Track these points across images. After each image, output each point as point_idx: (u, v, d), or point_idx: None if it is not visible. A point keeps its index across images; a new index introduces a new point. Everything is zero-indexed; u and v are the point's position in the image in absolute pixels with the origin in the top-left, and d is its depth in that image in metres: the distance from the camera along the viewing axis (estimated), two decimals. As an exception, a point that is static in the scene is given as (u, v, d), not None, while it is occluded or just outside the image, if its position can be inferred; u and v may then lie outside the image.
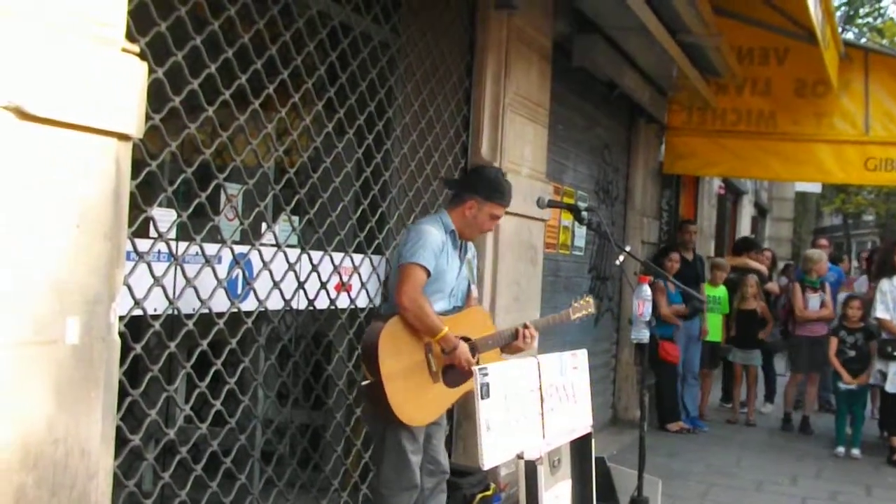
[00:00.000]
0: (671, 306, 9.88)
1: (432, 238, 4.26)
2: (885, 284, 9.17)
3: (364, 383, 4.12)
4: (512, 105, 6.06)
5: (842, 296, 10.42)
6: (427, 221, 4.42)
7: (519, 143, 6.20)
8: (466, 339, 4.33)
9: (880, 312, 9.09)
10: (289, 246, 4.41)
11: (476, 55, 5.90)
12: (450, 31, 5.72)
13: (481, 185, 4.46)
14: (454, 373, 4.32)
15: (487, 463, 3.92)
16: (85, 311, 2.61)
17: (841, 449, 9.38)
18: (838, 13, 26.97)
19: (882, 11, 31.36)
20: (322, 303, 4.69)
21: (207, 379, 3.84)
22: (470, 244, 4.63)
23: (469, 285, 4.61)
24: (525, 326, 4.63)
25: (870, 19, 30.60)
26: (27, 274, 2.41)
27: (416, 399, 4.17)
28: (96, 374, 2.67)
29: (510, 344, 4.62)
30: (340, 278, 4.84)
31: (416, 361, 4.20)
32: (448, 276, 4.38)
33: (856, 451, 9.35)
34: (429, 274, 4.21)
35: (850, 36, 25.44)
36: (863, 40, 24.24)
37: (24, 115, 2.36)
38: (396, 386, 4.07)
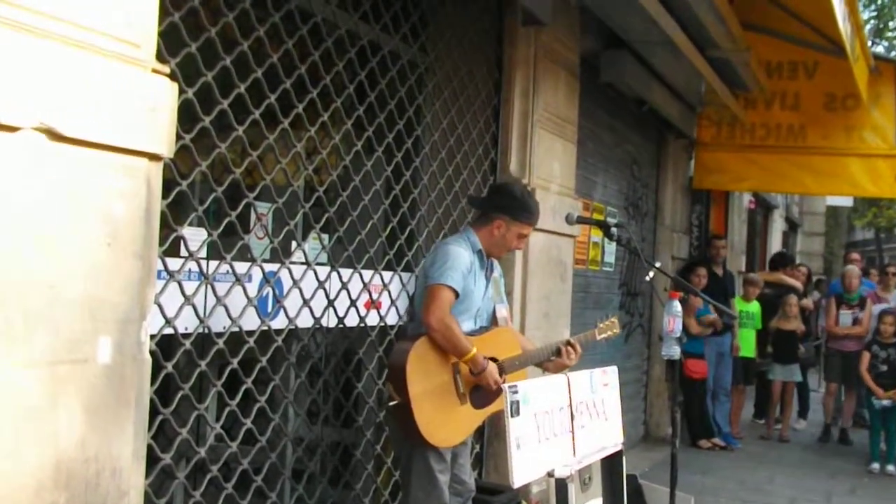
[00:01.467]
0: (704, 317, 9.78)
1: (460, 258, 4.22)
2: None
3: (391, 404, 4.11)
4: (540, 121, 6.05)
5: (875, 308, 10.32)
6: (454, 241, 4.36)
7: (548, 159, 6.19)
8: (493, 360, 4.31)
9: None
10: (318, 264, 4.42)
11: (504, 72, 5.90)
12: (478, 48, 5.73)
13: (508, 204, 4.40)
14: (481, 394, 4.29)
15: (518, 481, 3.89)
16: (117, 330, 2.62)
17: (876, 465, 9.28)
18: (868, 26, 26.83)
19: (912, 24, 31.13)
20: (352, 320, 4.70)
21: (238, 397, 3.85)
22: (496, 263, 4.60)
23: (495, 305, 4.58)
24: (569, 343, 4.59)
25: (900, 32, 30.37)
26: (60, 293, 2.43)
27: (443, 420, 4.14)
28: (128, 393, 2.68)
29: (553, 361, 4.57)
30: (370, 296, 4.84)
31: (444, 382, 4.18)
32: (475, 296, 4.36)
33: (891, 468, 9.24)
34: (457, 295, 4.18)
35: (880, 49, 25.29)
36: (893, 53, 24.07)
37: (55, 135, 2.38)
38: (424, 407, 4.05)
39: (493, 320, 4.55)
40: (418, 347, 4.09)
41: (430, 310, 4.10)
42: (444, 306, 4.11)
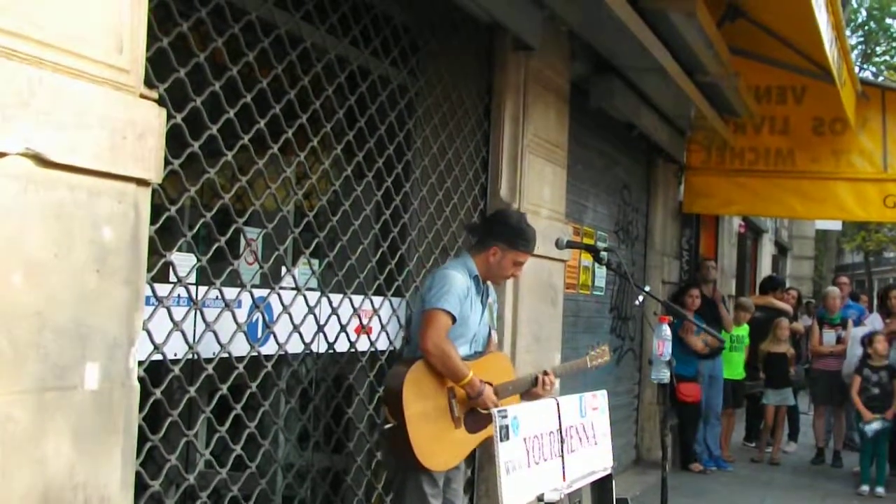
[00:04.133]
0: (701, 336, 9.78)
1: (457, 284, 4.23)
2: None
3: (386, 427, 4.10)
4: (530, 146, 6.07)
5: (860, 331, 10.34)
6: (451, 266, 4.40)
7: (538, 184, 6.20)
8: (488, 384, 4.31)
9: None
10: (308, 289, 4.41)
11: (494, 97, 5.91)
12: (468, 73, 5.75)
13: (505, 232, 4.42)
14: (476, 418, 4.29)
15: (508, 506, 3.87)
16: (105, 357, 2.61)
17: (865, 488, 9.27)
18: (855, 52, 27.03)
19: (899, 50, 31.40)
20: (342, 346, 4.68)
21: (227, 423, 3.83)
22: (491, 288, 4.62)
23: (490, 331, 4.59)
24: (545, 373, 4.60)
25: (887, 58, 30.63)
26: (47, 319, 2.42)
27: (438, 444, 4.14)
28: (116, 420, 2.67)
29: (529, 391, 4.59)
30: (360, 321, 4.83)
31: (439, 406, 4.18)
32: (471, 321, 4.37)
33: (880, 490, 9.24)
34: (454, 319, 4.19)
35: (867, 74, 25.46)
36: (880, 78, 24.25)
37: (43, 161, 2.37)
38: (420, 430, 4.04)
39: (489, 345, 4.56)
40: (414, 371, 4.09)
41: (426, 334, 4.11)
42: (440, 330, 4.12)
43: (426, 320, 4.16)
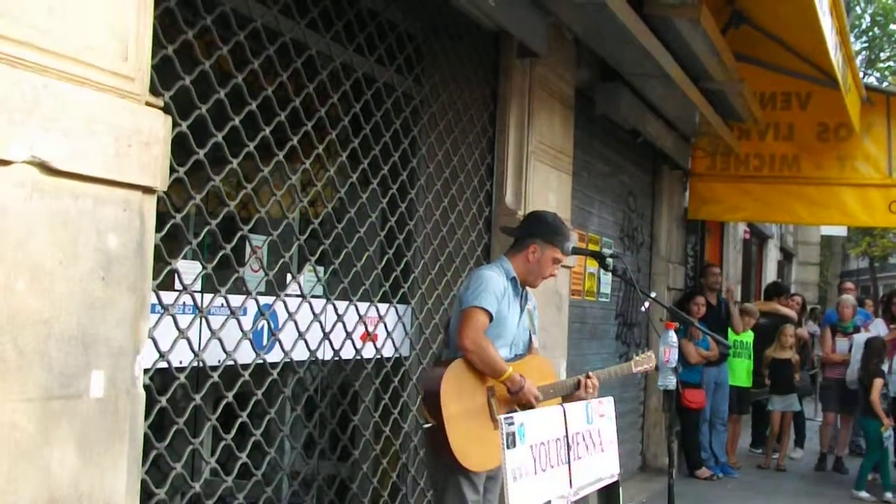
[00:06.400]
0: (699, 350, 9.80)
1: (494, 282, 4.23)
2: None
3: (425, 426, 4.09)
4: (536, 153, 6.06)
5: (863, 337, 10.31)
6: (488, 267, 4.40)
7: (543, 190, 6.20)
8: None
9: None
10: (314, 296, 4.40)
11: (499, 104, 5.91)
12: (473, 80, 5.75)
13: (542, 229, 4.44)
14: None
15: (515, 513, 3.86)
16: (110, 365, 2.61)
17: (889, 495, 9.23)
18: (859, 57, 27.00)
19: (903, 55, 31.38)
20: (348, 353, 4.68)
21: (233, 431, 3.82)
22: (531, 294, 4.59)
23: (531, 336, 4.57)
24: (587, 376, 4.58)
25: (891, 63, 30.61)
26: (53, 327, 2.41)
27: (477, 443, 4.11)
28: (121, 428, 2.66)
29: (571, 394, 4.56)
30: (366, 328, 4.82)
31: (479, 405, 4.16)
32: (509, 322, 4.34)
33: (889, 495, 9.20)
34: (491, 318, 4.18)
35: (871, 80, 25.45)
36: (885, 84, 24.23)
37: (48, 169, 2.37)
38: (458, 430, 4.02)
39: (529, 350, 4.54)
40: (453, 369, 4.09)
41: (464, 332, 4.11)
42: (478, 328, 4.12)
43: (463, 319, 4.15)
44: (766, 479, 10.17)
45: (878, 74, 29.04)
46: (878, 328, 10.56)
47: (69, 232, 2.46)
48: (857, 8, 28.06)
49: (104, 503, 2.61)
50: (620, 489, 4.79)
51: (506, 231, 4.82)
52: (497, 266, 4.41)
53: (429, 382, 4.15)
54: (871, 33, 30.14)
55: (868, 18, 30.07)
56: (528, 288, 4.54)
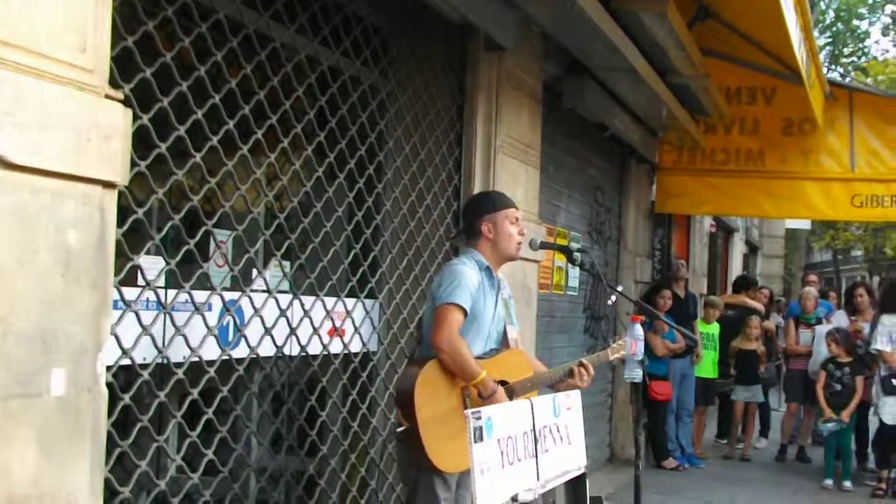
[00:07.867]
0: (665, 343, 9.88)
1: (468, 277, 4.14)
2: (885, 319, 9.20)
3: (399, 430, 4.05)
4: (503, 147, 6.05)
5: (822, 328, 10.44)
6: (460, 261, 4.28)
7: (511, 184, 6.18)
8: (504, 383, 4.26)
9: (880, 345, 9.11)
10: (280, 292, 4.36)
11: (466, 98, 5.89)
12: (440, 74, 5.73)
13: (480, 205, 4.41)
14: None
15: (482, 507, 3.85)
16: (71, 362, 2.57)
17: (829, 482, 9.37)
18: (823, 52, 27.25)
19: (865, 51, 31.75)
20: (315, 348, 4.64)
21: (199, 428, 3.78)
22: (505, 283, 4.55)
23: (506, 326, 4.53)
24: (581, 364, 4.55)
25: (854, 59, 30.95)
26: (11, 325, 2.37)
27: (452, 445, 4.07)
28: (83, 426, 2.62)
29: (565, 381, 4.53)
30: (333, 323, 4.79)
31: (453, 407, 4.10)
32: (485, 315, 4.28)
33: (847, 484, 9.32)
34: (465, 314, 4.12)
35: (835, 75, 25.68)
36: (847, 79, 24.47)
37: (4, 163, 2.33)
38: (432, 432, 3.98)
39: (504, 342, 4.50)
40: (427, 370, 4.02)
41: (438, 331, 4.02)
42: (452, 326, 4.04)
43: (437, 317, 4.06)
44: (732, 469, 10.29)
45: (841, 70, 29.33)
46: (840, 320, 10.68)
47: (27, 228, 2.41)
48: (821, 3, 28.31)
49: (66, 502, 2.57)
50: (587, 481, 4.80)
51: (457, 240, 4.77)
52: (468, 259, 4.30)
53: (402, 383, 4.09)
54: (834, 28, 30.47)
55: (832, 14, 30.39)
56: (502, 277, 4.50)
